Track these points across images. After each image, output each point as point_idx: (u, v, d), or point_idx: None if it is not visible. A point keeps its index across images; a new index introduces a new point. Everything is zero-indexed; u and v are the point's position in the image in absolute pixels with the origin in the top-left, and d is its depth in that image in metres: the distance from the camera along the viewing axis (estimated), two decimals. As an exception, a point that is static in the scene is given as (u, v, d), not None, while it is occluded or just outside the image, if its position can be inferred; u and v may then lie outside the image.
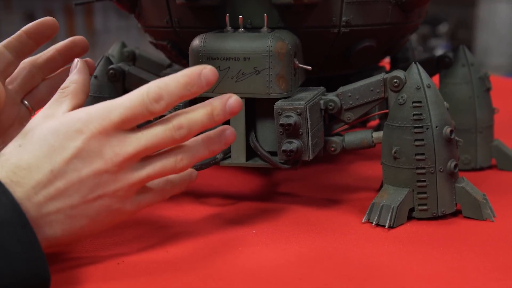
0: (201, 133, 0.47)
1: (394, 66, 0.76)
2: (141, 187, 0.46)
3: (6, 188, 0.40)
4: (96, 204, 0.43)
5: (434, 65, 0.67)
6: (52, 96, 0.48)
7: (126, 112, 0.43)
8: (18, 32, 0.55)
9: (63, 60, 0.57)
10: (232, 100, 0.47)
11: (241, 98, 0.53)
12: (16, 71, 0.55)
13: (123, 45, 0.79)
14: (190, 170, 0.50)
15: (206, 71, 0.45)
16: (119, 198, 0.44)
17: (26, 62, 0.56)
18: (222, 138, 0.47)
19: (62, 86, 0.48)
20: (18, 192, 0.40)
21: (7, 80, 0.55)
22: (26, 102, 0.56)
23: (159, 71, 0.76)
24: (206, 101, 0.46)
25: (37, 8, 3.07)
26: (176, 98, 0.44)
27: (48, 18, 0.55)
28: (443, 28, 3.30)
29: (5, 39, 0.54)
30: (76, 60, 0.52)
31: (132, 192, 0.45)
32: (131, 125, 0.44)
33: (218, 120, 0.46)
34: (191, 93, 0.45)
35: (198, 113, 0.45)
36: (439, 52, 3.34)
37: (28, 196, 0.41)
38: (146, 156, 0.45)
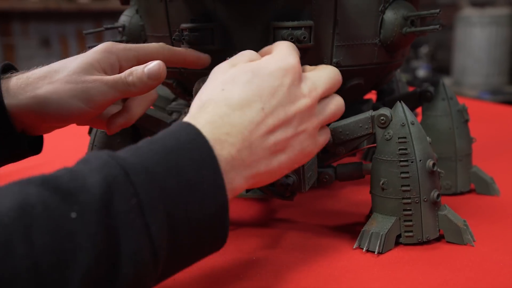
0: None
1: (380, 97, 0.77)
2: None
3: (200, 132, 0.39)
4: (301, 137, 0.44)
5: (417, 99, 0.68)
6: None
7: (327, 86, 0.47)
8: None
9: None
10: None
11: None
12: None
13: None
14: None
15: None
16: (311, 135, 0.45)
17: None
18: None
19: None
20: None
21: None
22: None
23: (165, 104, 0.77)
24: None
25: (52, 33, 3.08)
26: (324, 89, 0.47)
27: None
28: (424, 50, 3.32)
29: (22, 63, 0.50)
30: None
31: (316, 132, 0.46)
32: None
33: None
34: None
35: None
36: (421, 72, 3.33)
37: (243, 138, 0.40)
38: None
